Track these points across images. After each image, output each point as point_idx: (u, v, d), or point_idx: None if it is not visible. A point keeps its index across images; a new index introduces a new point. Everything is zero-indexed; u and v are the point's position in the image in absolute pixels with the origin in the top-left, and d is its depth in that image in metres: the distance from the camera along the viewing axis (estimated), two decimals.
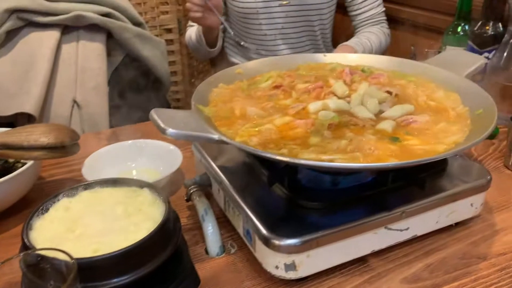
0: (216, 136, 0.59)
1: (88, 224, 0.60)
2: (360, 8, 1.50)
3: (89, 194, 0.66)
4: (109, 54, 1.32)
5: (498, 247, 0.69)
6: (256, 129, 0.67)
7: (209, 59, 1.71)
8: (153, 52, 1.41)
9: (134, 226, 0.59)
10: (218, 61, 1.70)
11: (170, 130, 0.57)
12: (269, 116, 0.72)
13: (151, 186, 0.66)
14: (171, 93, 1.92)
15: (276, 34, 1.50)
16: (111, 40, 1.33)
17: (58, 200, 0.64)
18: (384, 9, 1.52)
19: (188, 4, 1.25)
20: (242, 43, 1.50)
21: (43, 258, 0.48)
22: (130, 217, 0.61)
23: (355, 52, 1.36)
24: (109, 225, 0.60)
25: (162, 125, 0.58)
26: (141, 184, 0.66)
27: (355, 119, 0.68)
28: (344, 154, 0.59)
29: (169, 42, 1.86)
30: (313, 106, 0.73)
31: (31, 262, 0.48)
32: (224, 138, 0.59)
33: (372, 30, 1.49)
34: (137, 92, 1.34)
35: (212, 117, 0.71)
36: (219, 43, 1.49)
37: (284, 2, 1.44)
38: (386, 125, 0.66)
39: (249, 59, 1.55)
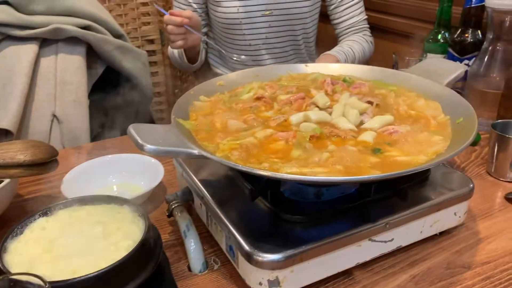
0: (196, 151, 0.58)
1: (66, 245, 0.58)
2: (342, 16, 1.51)
3: (67, 213, 0.64)
4: (89, 66, 1.30)
5: (482, 255, 0.69)
6: (238, 142, 0.66)
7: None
8: (135, 63, 1.39)
9: (113, 245, 0.58)
10: (201, 71, 1.69)
11: (148, 147, 0.56)
12: (250, 129, 0.71)
13: (130, 203, 0.65)
14: (154, 104, 1.90)
15: (260, 44, 1.50)
16: (91, 52, 1.31)
17: (34, 220, 0.62)
18: (366, 17, 1.53)
19: (171, 37, 1.26)
20: (235, 58, 1.49)
21: (17, 282, 0.46)
22: (109, 236, 0.59)
23: (338, 61, 1.36)
24: (87, 245, 0.58)
25: (140, 141, 0.57)
26: (120, 201, 0.65)
27: (337, 131, 0.67)
28: (326, 167, 0.58)
29: (151, 53, 1.85)
30: (294, 118, 0.72)
31: (4, 287, 0.46)
32: (204, 153, 0.58)
33: (355, 39, 1.49)
34: (118, 104, 1.32)
35: (193, 131, 0.70)
36: (202, 56, 1.49)
37: (267, 12, 1.44)
38: (368, 137, 0.66)
39: (233, 69, 1.54)
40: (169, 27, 1.24)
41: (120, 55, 1.32)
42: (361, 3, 1.51)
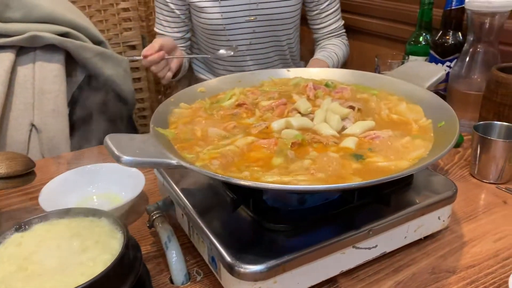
0: (174, 162, 0.57)
1: (42, 261, 0.57)
2: (324, 22, 1.52)
3: (43, 227, 0.63)
4: (69, 74, 1.27)
5: (466, 259, 0.69)
6: (218, 151, 0.65)
7: None
8: (116, 70, 1.37)
9: (91, 260, 0.56)
10: (185, 77, 1.68)
11: (125, 158, 0.55)
12: (231, 137, 0.70)
13: (109, 215, 0.63)
14: (137, 111, 1.88)
15: (244, 50, 1.49)
16: (71, 60, 1.29)
17: (9, 235, 0.60)
18: (343, 22, 1.55)
19: (159, 74, 1.26)
20: (231, 52, 1.46)
21: None
22: (87, 251, 0.58)
23: (328, 66, 1.38)
24: (64, 261, 0.57)
25: (116, 152, 0.55)
26: (99, 214, 0.63)
27: (318, 137, 0.66)
28: (308, 175, 0.57)
29: None
30: (276, 125, 0.71)
31: None
32: (183, 163, 0.57)
33: (335, 43, 1.51)
34: (100, 112, 1.30)
35: (173, 140, 0.68)
36: (185, 65, 1.48)
37: (251, 18, 1.43)
38: (349, 143, 0.65)
39: (217, 75, 1.53)
40: (152, 67, 1.23)
41: (100, 62, 1.30)
42: (340, 9, 1.54)
